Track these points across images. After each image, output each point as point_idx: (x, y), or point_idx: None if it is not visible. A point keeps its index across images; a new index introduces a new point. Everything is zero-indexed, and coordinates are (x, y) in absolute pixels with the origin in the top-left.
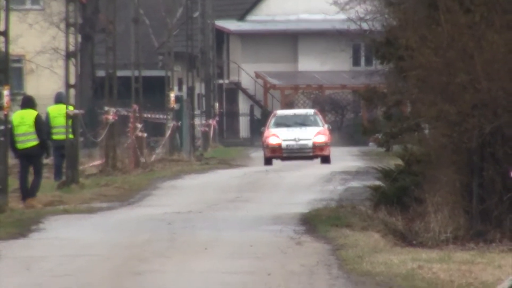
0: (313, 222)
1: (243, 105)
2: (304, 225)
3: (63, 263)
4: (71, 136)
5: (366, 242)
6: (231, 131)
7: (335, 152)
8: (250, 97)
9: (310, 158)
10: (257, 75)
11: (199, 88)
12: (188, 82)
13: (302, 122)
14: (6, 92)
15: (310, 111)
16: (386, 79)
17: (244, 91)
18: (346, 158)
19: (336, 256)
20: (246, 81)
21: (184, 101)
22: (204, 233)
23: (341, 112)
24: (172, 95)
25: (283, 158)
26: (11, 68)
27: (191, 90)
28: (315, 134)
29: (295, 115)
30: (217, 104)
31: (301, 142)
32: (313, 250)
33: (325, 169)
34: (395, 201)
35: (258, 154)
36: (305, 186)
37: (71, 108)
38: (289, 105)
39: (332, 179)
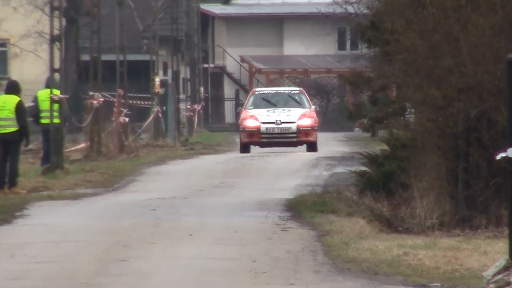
0: (298, 208)
1: (228, 90)
2: (290, 211)
3: (48, 250)
4: (56, 120)
5: (351, 228)
6: (216, 116)
7: (320, 137)
8: (236, 81)
9: (294, 144)
10: (243, 59)
11: (184, 72)
12: (173, 66)
13: (285, 102)
14: None
15: (295, 89)
16: (372, 63)
17: (230, 76)
18: (331, 143)
19: (322, 242)
20: (232, 66)
21: (169, 86)
22: (189, 219)
23: (327, 97)
24: (157, 80)
25: (262, 144)
26: None
27: (176, 74)
28: (299, 116)
29: (277, 94)
30: (202, 89)
31: (284, 125)
32: (298, 236)
33: (311, 154)
34: (381, 186)
35: None
36: (291, 172)
37: (57, 92)
38: None
39: (317, 164)
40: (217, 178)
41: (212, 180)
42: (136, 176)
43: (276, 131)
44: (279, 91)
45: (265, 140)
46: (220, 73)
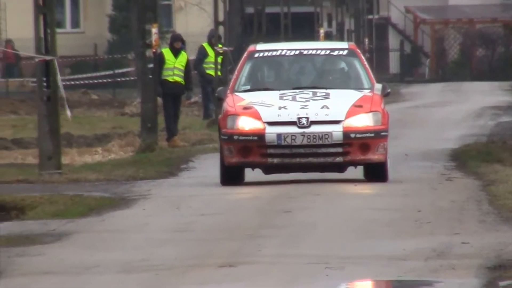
0: (463, 158)
1: (392, 41)
2: (454, 161)
3: (212, 202)
4: (219, 73)
5: None
6: (381, 66)
7: (484, 87)
8: (400, 32)
9: (338, 167)
10: (407, 10)
11: (349, 23)
12: (337, 18)
13: (319, 76)
14: (154, 30)
15: (340, 47)
16: None
17: (394, 26)
18: (497, 93)
19: (487, 191)
20: (396, 16)
21: (334, 37)
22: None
23: (492, 46)
24: (322, 31)
25: (268, 168)
26: (160, 6)
27: (340, 26)
28: (350, 108)
29: (300, 56)
30: (366, 40)
31: (315, 128)
32: (463, 186)
33: (475, 104)
34: None
35: (408, 91)
36: (454, 122)
37: (220, 45)
38: (439, 40)
39: (482, 114)
40: None
41: None
42: None
43: (298, 141)
44: (304, 51)
45: (274, 160)
46: (384, 24)
